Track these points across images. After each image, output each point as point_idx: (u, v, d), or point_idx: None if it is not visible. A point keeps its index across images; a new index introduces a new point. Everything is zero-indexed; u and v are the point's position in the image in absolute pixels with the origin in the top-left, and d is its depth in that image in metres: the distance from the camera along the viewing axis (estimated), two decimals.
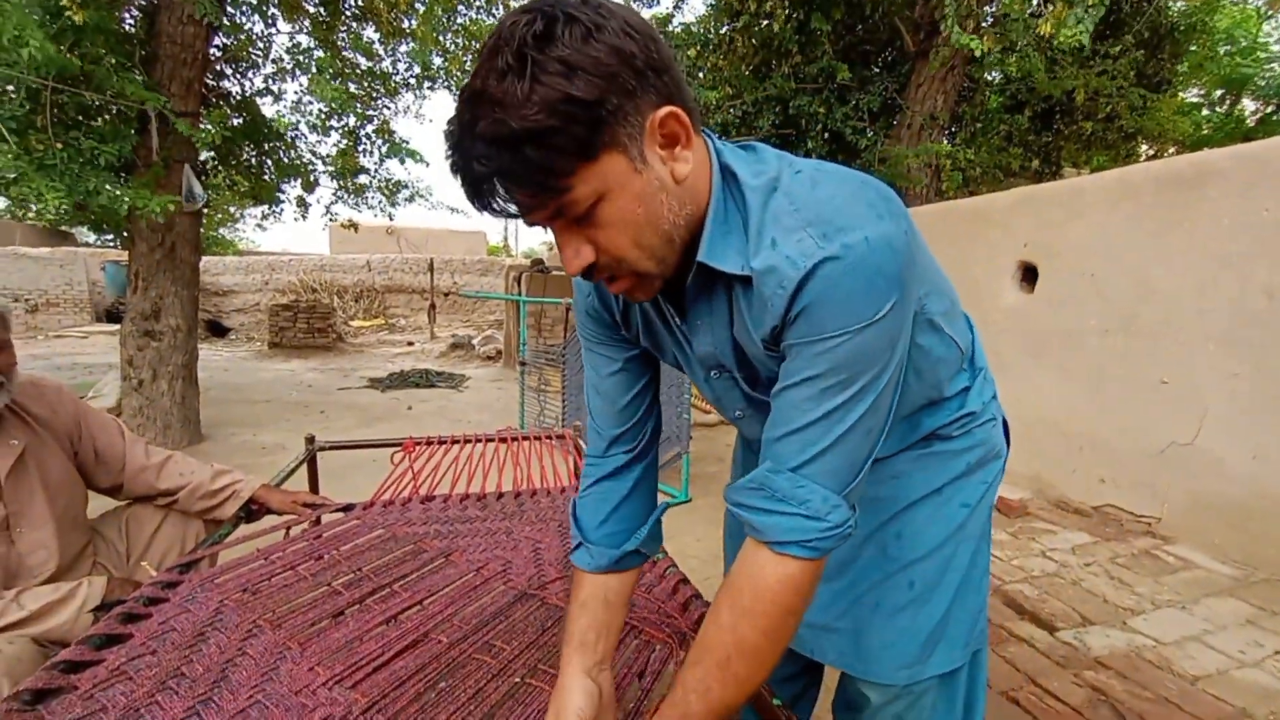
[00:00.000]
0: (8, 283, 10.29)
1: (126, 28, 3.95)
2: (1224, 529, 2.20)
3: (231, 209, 13.84)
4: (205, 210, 4.73)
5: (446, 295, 12.59)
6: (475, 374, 7.49)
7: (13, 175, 2.99)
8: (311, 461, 2.01)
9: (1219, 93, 11.19)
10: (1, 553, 1.16)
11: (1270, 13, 11.31)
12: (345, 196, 6.08)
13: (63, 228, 11.62)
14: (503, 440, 2.08)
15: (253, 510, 1.46)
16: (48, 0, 2.87)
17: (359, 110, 5.00)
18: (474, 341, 9.08)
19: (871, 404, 0.57)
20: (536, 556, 1.23)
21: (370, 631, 0.92)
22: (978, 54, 3.61)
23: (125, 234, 4.05)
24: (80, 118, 3.56)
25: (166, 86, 3.62)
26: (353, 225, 6.58)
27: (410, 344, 10.16)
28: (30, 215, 9.14)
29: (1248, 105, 11.35)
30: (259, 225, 27.42)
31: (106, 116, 3.55)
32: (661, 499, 0.86)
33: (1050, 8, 3.20)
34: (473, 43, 4.91)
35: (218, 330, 10.82)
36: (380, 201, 6.22)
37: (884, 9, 5.76)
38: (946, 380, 0.78)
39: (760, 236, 0.56)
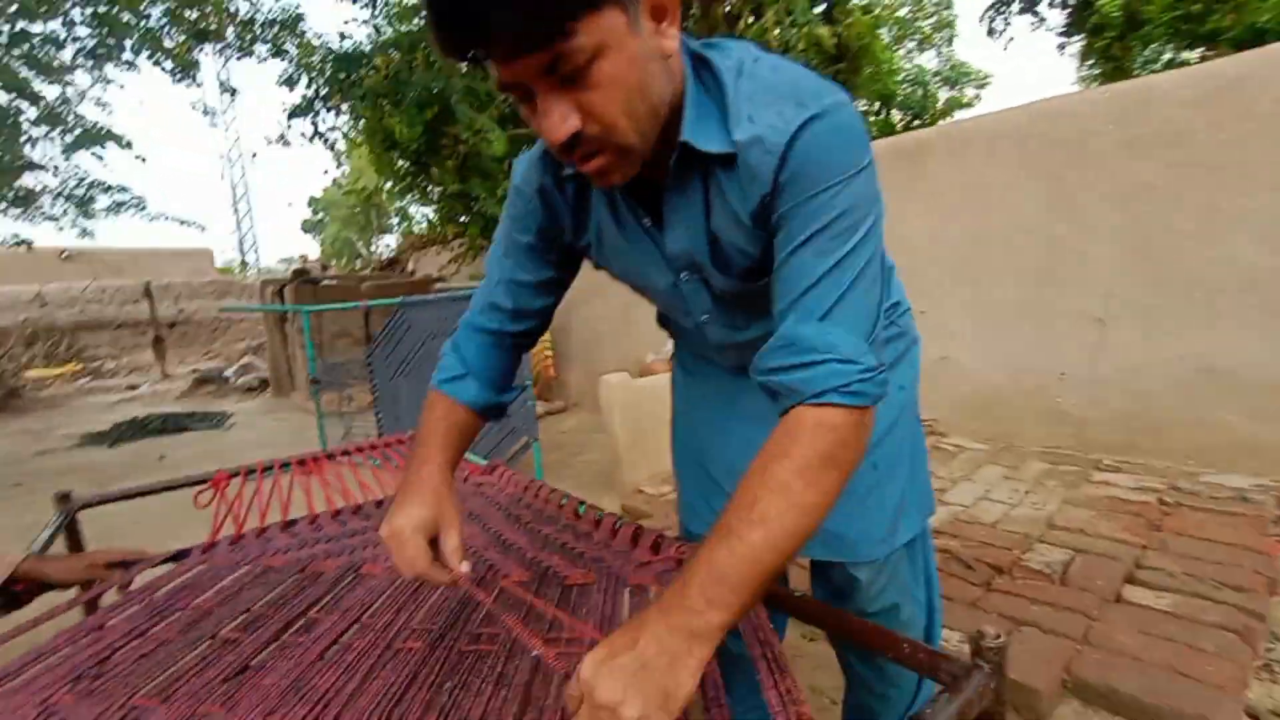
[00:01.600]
0: None
1: None
2: (975, 419, 2.88)
3: None
4: None
5: (173, 326, 10.24)
6: (239, 409, 6.25)
7: None
8: (71, 526, 1.48)
9: (877, 104, 14.53)
10: None
11: (897, 47, 15.14)
12: (4, 206, 4.62)
13: None
14: (345, 453, 1.78)
15: (17, 593, 1.02)
16: None
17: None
18: (227, 374, 7.56)
19: (875, 249, 0.59)
20: (470, 548, 1.07)
21: (314, 663, 0.71)
22: None
23: None
24: None
25: None
26: (25, 244, 5.01)
27: (133, 388, 8.06)
28: None
29: (896, 115, 14.95)
30: None
31: None
32: None
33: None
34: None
35: None
36: (68, 211, 4.85)
37: None
38: None
39: (737, 114, 0.59)
